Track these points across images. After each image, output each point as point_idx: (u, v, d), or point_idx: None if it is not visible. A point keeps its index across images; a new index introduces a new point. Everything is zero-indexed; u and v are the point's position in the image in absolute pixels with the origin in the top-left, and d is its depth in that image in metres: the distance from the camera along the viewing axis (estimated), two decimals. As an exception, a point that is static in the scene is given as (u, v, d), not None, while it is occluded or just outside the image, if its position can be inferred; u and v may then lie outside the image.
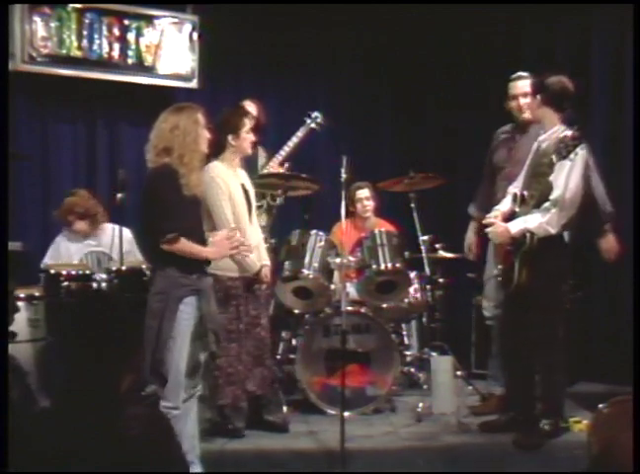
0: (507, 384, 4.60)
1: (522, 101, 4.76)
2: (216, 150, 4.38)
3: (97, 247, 5.32)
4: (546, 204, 4.09)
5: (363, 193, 5.74)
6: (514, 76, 4.84)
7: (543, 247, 4.11)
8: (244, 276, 4.36)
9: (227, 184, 4.34)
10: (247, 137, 4.45)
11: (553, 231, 4.10)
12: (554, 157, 3.97)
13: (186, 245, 3.63)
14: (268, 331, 4.53)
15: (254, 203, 4.56)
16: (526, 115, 4.76)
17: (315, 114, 5.55)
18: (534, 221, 4.09)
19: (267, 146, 5.60)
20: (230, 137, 4.41)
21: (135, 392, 3.63)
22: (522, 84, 4.77)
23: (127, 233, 5.21)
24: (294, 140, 5.53)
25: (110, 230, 5.33)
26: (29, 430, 1.85)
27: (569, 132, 3.98)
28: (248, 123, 4.46)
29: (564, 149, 3.90)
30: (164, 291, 3.63)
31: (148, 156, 3.73)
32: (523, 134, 4.79)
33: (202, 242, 3.78)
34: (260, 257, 4.45)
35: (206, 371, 4.28)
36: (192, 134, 3.69)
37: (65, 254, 5.30)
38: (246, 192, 4.47)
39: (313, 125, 5.55)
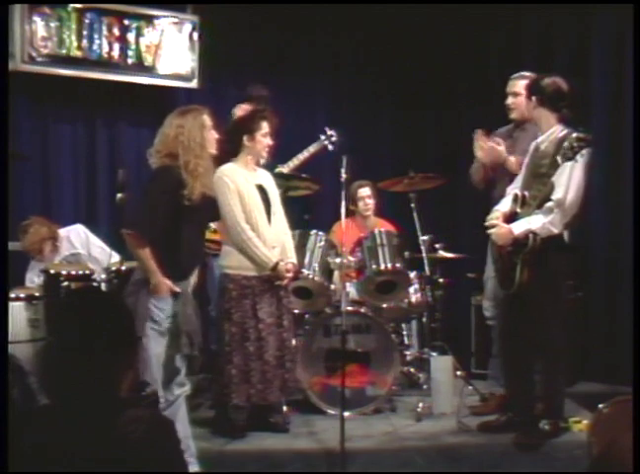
0: (506, 385, 4.61)
1: (511, 100, 4.80)
2: (233, 150, 4.39)
3: (62, 254, 5.30)
4: (549, 204, 4.09)
5: (365, 191, 5.75)
6: (514, 75, 4.88)
7: (545, 247, 4.12)
8: (260, 275, 4.35)
9: (236, 182, 4.33)
10: (262, 140, 4.44)
11: (556, 231, 4.10)
12: (559, 158, 3.96)
13: (146, 254, 3.59)
14: (290, 333, 4.53)
15: (276, 203, 4.52)
16: (514, 114, 4.81)
17: (331, 132, 5.50)
18: (538, 222, 4.09)
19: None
20: (245, 138, 4.41)
21: (135, 392, 3.64)
22: (513, 83, 4.82)
23: (82, 230, 5.27)
24: (305, 154, 5.47)
25: (63, 234, 5.33)
26: (29, 430, 1.85)
27: (574, 134, 3.97)
28: (265, 127, 4.44)
29: (569, 150, 3.88)
30: (138, 286, 3.63)
31: (151, 160, 3.73)
32: (521, 133, 4.81)
33: (194, 249, 3.77)
34: (284, 255, 4.45)
35: (210, 371, 4.29)
36: (197, 139, 3.67)
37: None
38: (264, 192, 4.46)
39: (327, 143, 5.51)
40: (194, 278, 3.97)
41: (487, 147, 4.76)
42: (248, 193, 4.36)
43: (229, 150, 4.39)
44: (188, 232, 3.71)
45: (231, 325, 4.31)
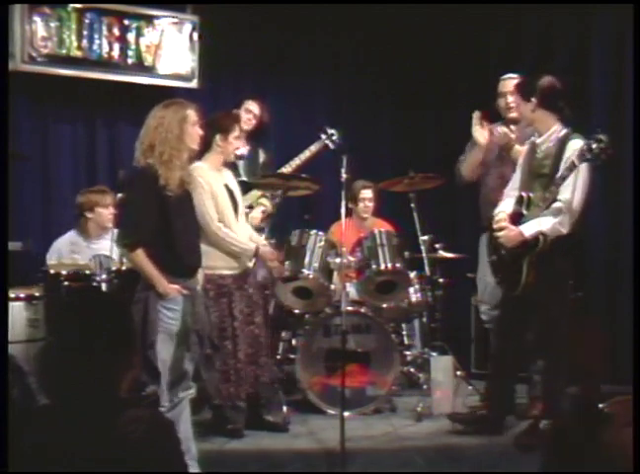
0: (490, 381, 4.61)
1: (510, 98, 4.82)
2: (203, 149, 4.39)
3: (104, 250, 5.28)
4: (557, 205, 4.09)
5: (367, 193, 5.74)
6: (504, 76, 4.89)
7: (552, 248, 4.11)
8: (235, 273, 4.37)
9: (210, 183, 4.34)
10: (233, 143, 4.43)
11: (565, 231, 4.11)
12: (576, 160, 3.94)
13: (142, 258, 3.62)
14: (263, 330, 4.53)
15: (240, 202, 4.56)
16: (512, 113, 4.83)
17: (331, 131, 5.49)
18: (548, 223, 4.09)
19: (267, 147, 5.59)
20: (218, 137, 4.38)
21: (135, 392, 3.64)
22: (507, 83, 4.85)
23: None
24: (306, 154, 5.46)
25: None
26: (29, 430, 1.85)
27: (584, 136, 3.96)
28: (238, 131, 4.45)
29: (588, 152, 3.85)
30: (146, 291, 3.63)
31: (136, 154, 3.74)
32: (519, 133, 4.82)
33: (189, 239, 3.77)
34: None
35: (203, 372, 4.30)
36: (174, 132, 3.66)
37: (78, 251, 5.24)
38: (230, 191, 4.47)
39: (328, 142, 5.51)
40: (201, 276, 3.98)
41: (500, 132, 4.76)
42: (220, 193, 4.38)
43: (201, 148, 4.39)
44: (180, 226, 3.70)
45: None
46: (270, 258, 4.52)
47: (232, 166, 4.81)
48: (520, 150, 4.66)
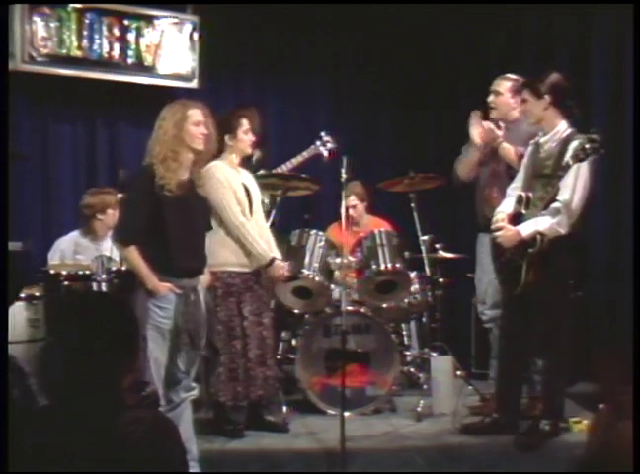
0: (498, 385, 4.59)
1: (492, 98, 4.84)
2: (216, 150, 4.39)
3: (105, 251, 5.27)
4: (555, 205, 4.09)
5: (350, 201, 5.61)
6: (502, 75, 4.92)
7: (552, 247, 4.11)
8: (245, 271, 4.37)
9: (228, 179, 4.36)
10: (244, 138, 4.46)
11: (563, 232, 4.10)
12: (570, 159, 3.94)
13: (134, 256, 3.63)
14: (270, 331, 4.53)
15: (256, 202, 4.54)
16: (494, 113, 4.84)
17: (327, 138, 5.50)
18: (545, 223, 4.09)
19: (266, 147, 5.59)
20: (227, 138, 4.41)
21: (135, 392, 3.63)
22: (497, 83, 4.86)
23: None
24: (299, 159, 5.47)
25: None
26: (29, 430, 1.85)
27: (586, 135, 3.95)
28: (245, 124, 4.45)
29: (581, 151, 3.87)
30: (138, 289, 3.65)
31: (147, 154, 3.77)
32: (505, 132, 4.81)
33: (187, 240, 3.75)
34: (270, 250, 4.48)
35: (205, 372, 4.30)
36: (170, 132, 3.67)
37: (82, 251, 5.23)
38: (247, 190, 4.47)
39: (321, 149, 5.50)
40: (205, 276, 3.94)
41: (486, 128, 4.77)
42: (239, 189, 4.39)
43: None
44: (177, 227, 3.68)
45: (217, 323, 4.32)
46: (279, 273, 4.46)
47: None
48: (508, 149, 4.65)
